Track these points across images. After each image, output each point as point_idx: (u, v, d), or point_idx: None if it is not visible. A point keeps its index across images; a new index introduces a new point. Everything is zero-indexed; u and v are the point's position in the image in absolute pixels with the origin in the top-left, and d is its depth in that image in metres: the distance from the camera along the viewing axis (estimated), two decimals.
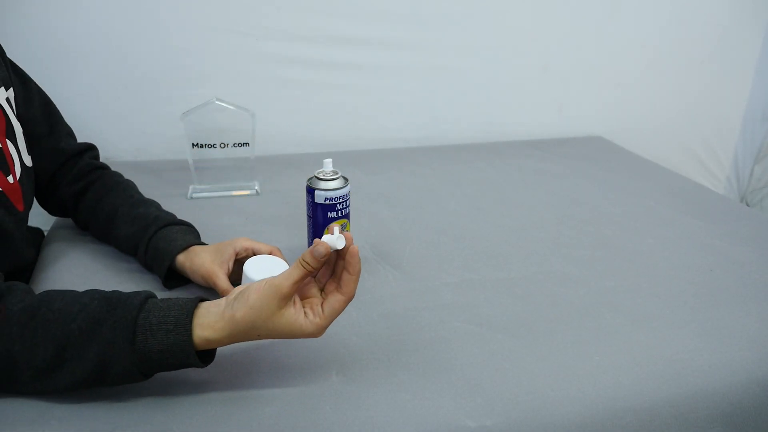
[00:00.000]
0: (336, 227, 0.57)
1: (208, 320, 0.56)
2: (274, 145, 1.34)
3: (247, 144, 1.10)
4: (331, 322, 0.57)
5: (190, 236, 0.81)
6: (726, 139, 1.78)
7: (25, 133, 0.80)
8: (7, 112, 0.74)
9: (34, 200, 0.87)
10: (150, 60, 1.25)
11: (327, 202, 0.78)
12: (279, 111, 1.34)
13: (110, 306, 0.56)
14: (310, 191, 0.78)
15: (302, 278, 0.55)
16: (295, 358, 0.66)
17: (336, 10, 1.30)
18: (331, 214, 0.78)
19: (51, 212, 0.94)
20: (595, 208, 1.12)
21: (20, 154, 0.77)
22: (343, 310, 0.57)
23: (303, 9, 1.28)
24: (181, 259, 0.77)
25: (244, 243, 0.78)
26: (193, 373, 0.63)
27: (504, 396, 0.62)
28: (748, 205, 1.79)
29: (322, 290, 0.59)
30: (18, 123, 0.77)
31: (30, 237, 0.91)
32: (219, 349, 0.66)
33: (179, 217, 0.86)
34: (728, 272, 0.89)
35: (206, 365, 0.58)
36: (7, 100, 0.76)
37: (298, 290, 0.58)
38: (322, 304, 0.57)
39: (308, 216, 0.81)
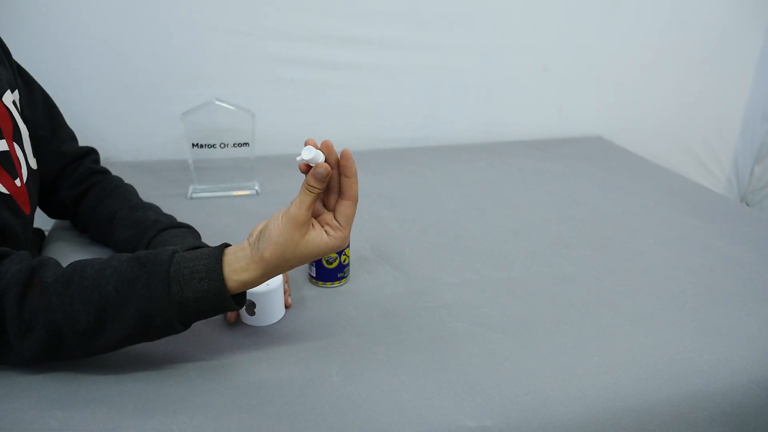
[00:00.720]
0: (308, 146, 0.60)
1: (240, 265, 0.58)
2: (274, 145, 1.34)
3: (247, 144, 1.10)
4: (350, 227, 0.61)
5: (190, 239, 0.81)
6: (726, 139, 1.78)
7: (29, 136, 0.80)
8: (14, 115, 0.74)
9: None
10: (150, 60, 1.25)
11: None
12: (279, 111, 1.34)
13: (140, 264, 0.58)
14: None
15: (313, 202, 0.58)
16: (296, 358, 0.66)
17: (336, 11, 1.30)
18: None
19: (50, 215, 0.94)
20: (595, 208, 1.12)
21: (26, 157, 0.77)
22: (354, 213, 0.61)
23: (303, 9, 1.28)
24: None
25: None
26: (192, 374, 0.63)
27: (504, 396, 0.62)
28: (748, 205, 1.79)
29: (324, 205, 0.63)
30: (24, 126, 0.77)
31: (35, 237, 0.91)
32: (218, 351, 0.67)
33: (179, 217, 0.86)
34: (728, 272, 0.89)
35: (240, 307, 0.61)
36: (14, 102, 0.76)
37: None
38: (335, 217, 0.61)
39: None
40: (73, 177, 0.89)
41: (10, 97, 0.75)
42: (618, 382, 0.65)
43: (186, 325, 0.59)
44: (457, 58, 1.43)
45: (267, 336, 0.70)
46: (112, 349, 0.60)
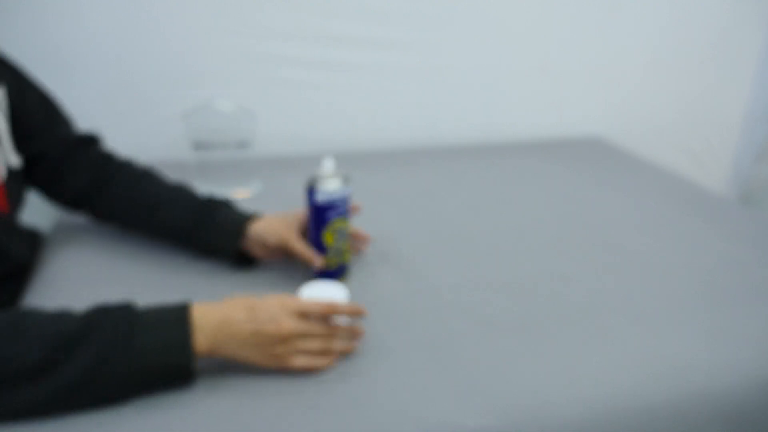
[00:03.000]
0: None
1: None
2: (274, 145, 1.34)
3: (247, 144, 1.10)
4: None
5: (247, 213, 0.83)
6: (726, 139, 1.78)
7: (22, 127, 0.79)
8: None
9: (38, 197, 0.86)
10: (150, 60, 1.25)
11: (327, 202, 0.78)
12: (279, 111, 1.34)
13: (100, 310, 0.58)
14: (311, 191, 0.78)
15: None
16: None
17: (336, 10, 1.30)
18: (331, 214, 0.78)
19: (61, 204, 0.90)
20: (594, 208, 1.12)
21: (5, 155, 0.75)
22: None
23: (303, 9, 1.28)
24: (252, 227, 0.79)
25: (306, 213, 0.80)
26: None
27: (504, 396, 0.62)
28: (748, 205, 1.79)
29: None
30: (4, 123, 0.76)
31: (29, 236, 0.90)
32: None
33: None
34: (728, 272, 0.89)
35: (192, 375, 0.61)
36: None
37: None
38: None
39: (309, 216, 0.81)
40: (86, 163, 0.86)
41: None
42: (618, 382, 0.65)
43: (131, 390, 0.57)
44: (457, 58, 1.43)
45: None
46: (44, 406, 0.55)
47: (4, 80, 0.78)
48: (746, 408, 0.65)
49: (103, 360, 0.54)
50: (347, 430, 0.57)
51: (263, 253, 0.82)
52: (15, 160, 0.79)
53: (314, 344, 0.63)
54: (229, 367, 0.64)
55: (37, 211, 0.89)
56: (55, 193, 0.89)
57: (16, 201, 0.78)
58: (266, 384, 0.62)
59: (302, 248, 0.78)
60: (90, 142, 0.90)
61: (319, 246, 0.79)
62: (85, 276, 0.82)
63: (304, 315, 0.63)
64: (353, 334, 0.67)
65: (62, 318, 0.56)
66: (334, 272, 0.81)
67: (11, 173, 0.77)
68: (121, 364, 0.55)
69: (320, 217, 0.79)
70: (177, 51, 1.25)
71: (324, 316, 0.64)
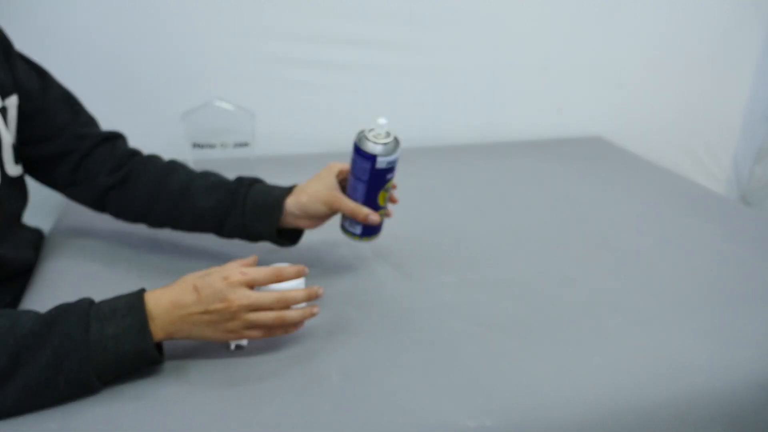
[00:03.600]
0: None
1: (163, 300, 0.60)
2: (274, 145, 1.34)
3: (247, 144, 1.10)
4: None
5: (279, 188, 0.81)
6: (726, 139, 1.78)
7: (44, 127, 0.80)
8: None
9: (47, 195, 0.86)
10: (150, 60, 1.25)
11: (388, 164, 0.77)
12: (279, 111, 1.34)
13: (60, 309, 0.59)
14: (368, 156, 0.76)
15: None
16: (295, 358, 0.66)
17: (336, 11, 1.30)
18: (389, 176, 0.79)
19: (86, 203, 0.87)
20: (595, 208, 1.12)
21: (3, 166, 0.75)
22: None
23: (303, 9, 1.28)
24: (291, 200, 0.77)
25: (338, 166, 0.79)
26: (192, 373, 0.63)
27: (504, 396, 0.62)
28: (748, 204, 1.79)
29: None
30: (8, 134, 0.75)
31: (30, 238, 0.90)
32: (217, 351, 0.67)
33: None
34: (728, 272, 0.89)
35: (161, 356, 0.62)
36: (2, 109, 0.74)
37: None
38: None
39: (363, 180, 0.78)
40: (112, 161, 0.84)
41: None
42: (618, 382, 0.65)
43: (100, 379, 0.58)
44: (458, 58, 1.43)
45: None
46: (15, 407, 0.56)
47: (22, 87, 0.78)
48: (746, 408, 0.65)
49: (63, 356, 0.55)
50: (347, 430, 0.57)
51: (308, 223, 0.79)
52: (14, 169, 0.78)
53: (267, 317, 0.62)
54: (229, 368, 0.64)
55: (38, 212, 0.89)
56: (79, 192, 0.86)
57: (10, 210, 0.77)
58: (267, 385, 0.62)
59: (353, 206, 0.76)
60: (113, 139, 0.88)
61: (374, 207, 0.78)
62: (85, 276, 0.82)
63: (251, 285, 0.62)
64: (308, 302, 0.66)
65: (22, 321, 0.57)
66: (377, 228, 0.81)
67: (8, 182, 0.76)
68: (82, 357, 0.56)
69: (379, 179, 0.77)
70: (177, 51, 1.25)
71: (270, 281, 0.64)
